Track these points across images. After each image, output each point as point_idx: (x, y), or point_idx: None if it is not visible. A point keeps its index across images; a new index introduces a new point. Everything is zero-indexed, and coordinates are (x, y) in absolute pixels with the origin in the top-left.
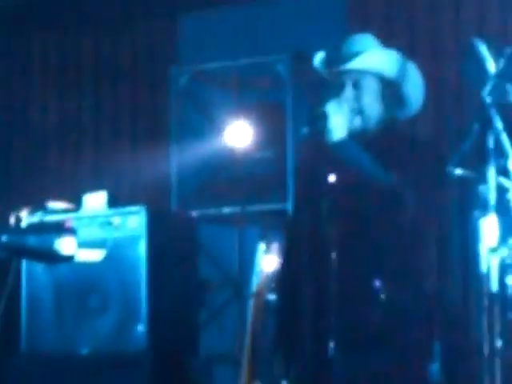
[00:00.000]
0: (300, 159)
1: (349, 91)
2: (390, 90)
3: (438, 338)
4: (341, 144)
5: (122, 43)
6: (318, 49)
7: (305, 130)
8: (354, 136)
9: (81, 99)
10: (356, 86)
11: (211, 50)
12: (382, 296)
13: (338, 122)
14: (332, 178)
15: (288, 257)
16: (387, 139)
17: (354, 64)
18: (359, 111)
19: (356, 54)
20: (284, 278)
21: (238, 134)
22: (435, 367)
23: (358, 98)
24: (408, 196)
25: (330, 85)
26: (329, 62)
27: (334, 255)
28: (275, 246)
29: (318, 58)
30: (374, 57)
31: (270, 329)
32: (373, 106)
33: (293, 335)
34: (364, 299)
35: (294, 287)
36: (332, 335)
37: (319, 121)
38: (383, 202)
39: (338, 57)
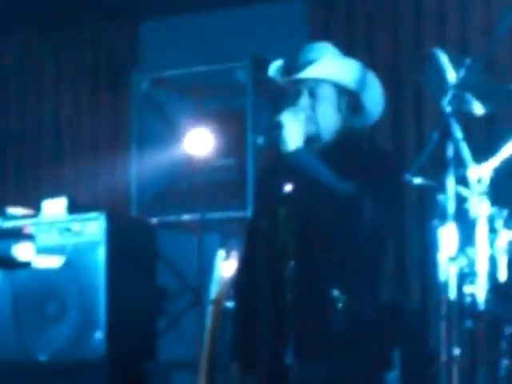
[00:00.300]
0: (257, 168)
1: (305, 99)
2: (348, 98)
3: (398, 347)
4: (296, 153)
5: (83, 48)
6: (278, 56)
7: (260, 140)
8: (310, 145)
9: (41, 104)
10: (312, 94)
11: (172, 56)
12: (339, 305)
13: (294, 130)
14: (288, 188)
15: (246, 264)
16: (345, 148)
17: (310, 72)
18: (315, 120)
19: (312, 62)
20: (241, 286)
21: (198, 142)
22: (393, 375)
23: (313, 106)
24: (366, 205)
25: (286, 93)
26: (285, 69)
27: (291, 264)
28: (234, 254)
29: (275, 66)
30: (330, 65)
31: (229, 336)
32: (329, 114)
33: (249, 342)
34: (322, 308)
35: (252, 295)
36: (289, 342)
37: (275, 130)
38: (341, 212)
39: (294, 65)
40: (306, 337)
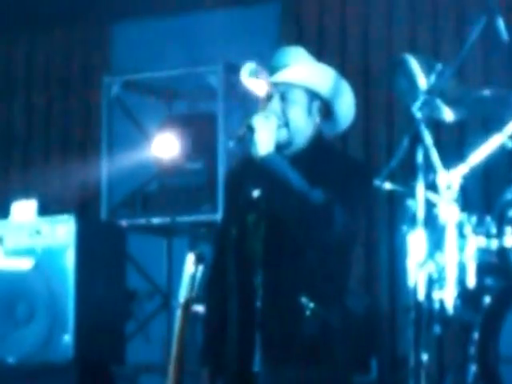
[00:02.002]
0: (226, 172)
1: (276, 103)
2: (319, 104)
3: (370, 352)
4: (267, 158)
5: (55, 50)
6: (250, 60)
7: (231, 143)
8: (281, 150)
9: (12, 106)
10: (283, 98)
11: (144, 58)
12: (308, 312)
13: (265, 135)
14: (256, 193)
15: (216, 270)
16: (315, 154)
17: (282, 76)
18: (286, 124)
19: (285, 66)
20: (212, 292)
21: (168, 145)
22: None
23: (284, 110)
24: (336, 213)
25: (257, 97)
26: (257, 72)
27: (259, 270)
28: (203, 257)
29: (247, 68)
30: (303, 70)
31: (198, 340)
32: (300, 119)
33: (219, 348)
34: (290, 315)
35: (222, 300)
36: (257, 349)
37: (245, 134)
38: (310, 219)
39: (266, 68)
40: (274, 344)
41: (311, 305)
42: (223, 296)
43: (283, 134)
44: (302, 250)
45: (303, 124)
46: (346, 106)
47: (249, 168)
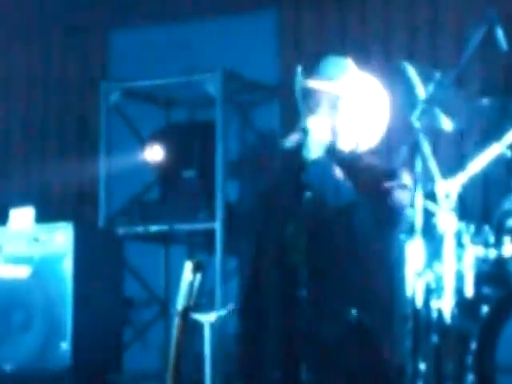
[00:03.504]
0: (263, 185)
1: (329, 109)
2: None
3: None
4: (320, 160)
5: (54, 56)
6: (248, 68)
7: (288, 143)
8: (329, 155)
9: (9, 112)
10: (333, 106)
11: (143, 66)
12: (355, 322)
13: (318, 138)
14: (301, 200)
15: (253, 286)
16: (350, 163)
17: (336, 85)
18: (336, 131)
19: (336, 76)
20: (249, 308)
21: (166, 152)
22: None
23: (332, 117)
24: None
25: (309, 101)
26: (312, 75)
27: (303, 283)
28: (201, 265)
29: (302, 70)
30: (354, 82)
31: (196, 348)
32: (347, 127)
33: (257, 362)
34: (340, 325)
35: (258, 314)
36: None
37: (301, 135)
38: (360, 223)
39: (322, 73)
40: (322, 353)
41: (358, 315)
42: (259, 310)
43: (332, 140)
44: (345, 260)
45: (350, 133)
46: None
47: (295, 174)
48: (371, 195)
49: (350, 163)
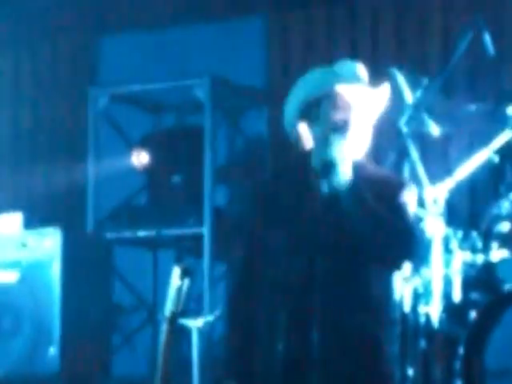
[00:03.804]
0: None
1: (350, 128)
2: None
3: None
4: (354, 185)
5: (42, 60)
6: (237, 74)
7: (325, 187)
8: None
9: None
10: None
11: (132, 71)
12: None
13: (346, 165)
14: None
15: (242, 291)
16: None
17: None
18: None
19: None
20: (237, 310)
21: (155, 157)
22: None
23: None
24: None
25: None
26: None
27: (316, 296)
28: (189, 271)
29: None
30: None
31: (184, 353)
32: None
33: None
34: (360, 348)
35: (248, 321)
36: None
37: (329, 171)
38: (392, 241)
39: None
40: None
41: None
42: (250, 317)
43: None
44: (361, 274)
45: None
46: None
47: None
48: (390, 209)
49: (368, 175)
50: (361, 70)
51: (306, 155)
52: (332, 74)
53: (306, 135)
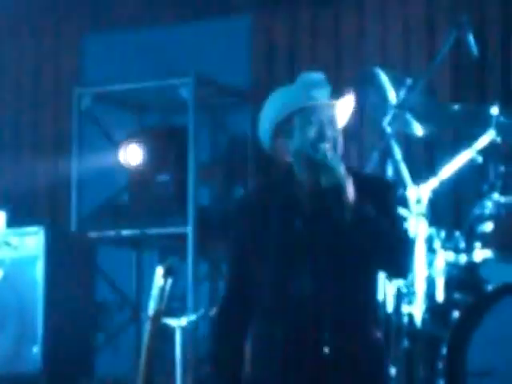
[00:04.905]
0: (243, 198)
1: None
2: None
3: None
4: (344, 182)
5: (27, 59)
6: (221, 73)
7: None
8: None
9: None
10: (333, 123)
11: (116, 70)
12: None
13: (337, 161)
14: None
15: (232, 304)
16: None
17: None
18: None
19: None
20: (224, 324)
21: (139, 157)
22: None
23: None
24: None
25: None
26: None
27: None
28: (172, 270)
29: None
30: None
31: (167, 352)
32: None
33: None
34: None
35: (236, 339)
36: None
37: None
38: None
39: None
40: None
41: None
42: (238, 335)
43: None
44: (360, 279)
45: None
46: None
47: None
48: (378, 207)
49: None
50: (323, 81)
51: (288, 168)
52: (300, 90)
53: (283, 151)
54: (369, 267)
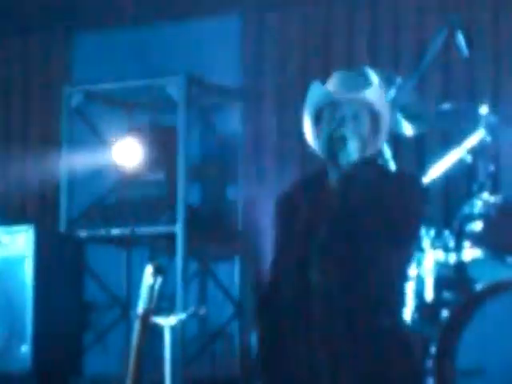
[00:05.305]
0: (282, 196)
1: (364, 120)
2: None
3: None
4: (357, 167)
5: (16, 58)
6: (211, 72)
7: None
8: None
9: None
10: (356, 116)
11: (106, 69)
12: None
13: (355, 146)
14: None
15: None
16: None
17: (361, 95)
18: (370, 141)
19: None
20: (265, 315)
21: (128, 156)
22: None
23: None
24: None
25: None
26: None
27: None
28: (162, 269)
29: (336, 79)
30: (374, 92)
31: (156, 351)
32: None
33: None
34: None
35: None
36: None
37: (337, 143)
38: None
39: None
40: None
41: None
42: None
43: (368, 150)
44: (380, 267)
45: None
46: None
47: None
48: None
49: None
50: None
51: (322, 168)
52: (329, 85)
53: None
54: (380, 254)
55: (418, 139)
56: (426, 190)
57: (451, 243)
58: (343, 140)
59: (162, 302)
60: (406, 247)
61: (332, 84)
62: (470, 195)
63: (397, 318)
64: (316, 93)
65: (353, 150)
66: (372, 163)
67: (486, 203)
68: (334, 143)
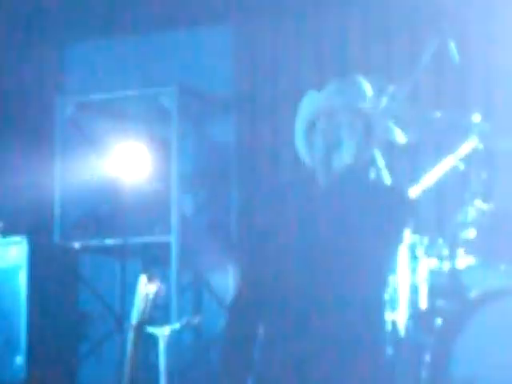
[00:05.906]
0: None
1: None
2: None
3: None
4: (353, 170)
5: (9, 69)
6: (204, 82)
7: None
8: None
9: None
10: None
11: (98, 79)
12: None
13: (348, 152)
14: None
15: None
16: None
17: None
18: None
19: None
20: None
21: (122, 166)
22: None
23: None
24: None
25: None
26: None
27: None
28: (155, 279)
29: (332, 88)
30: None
31: (151, 361)
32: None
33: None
34: None
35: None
36: None
37: (331, 150)
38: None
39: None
40: None
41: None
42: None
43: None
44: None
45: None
46: None
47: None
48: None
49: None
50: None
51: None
52: (324, 94)
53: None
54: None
55: (411, 147)
56: (413, 203)
57: (445, 251)
58: (338, 146)
59: (156, 312)
60: (387, 254)
61: (327, 93)
62: (463, 203)
63: None
64: (312, 101)
65: (347, 157)
66: (363, 174)
67: (480, 211)
68: (328, 150)
